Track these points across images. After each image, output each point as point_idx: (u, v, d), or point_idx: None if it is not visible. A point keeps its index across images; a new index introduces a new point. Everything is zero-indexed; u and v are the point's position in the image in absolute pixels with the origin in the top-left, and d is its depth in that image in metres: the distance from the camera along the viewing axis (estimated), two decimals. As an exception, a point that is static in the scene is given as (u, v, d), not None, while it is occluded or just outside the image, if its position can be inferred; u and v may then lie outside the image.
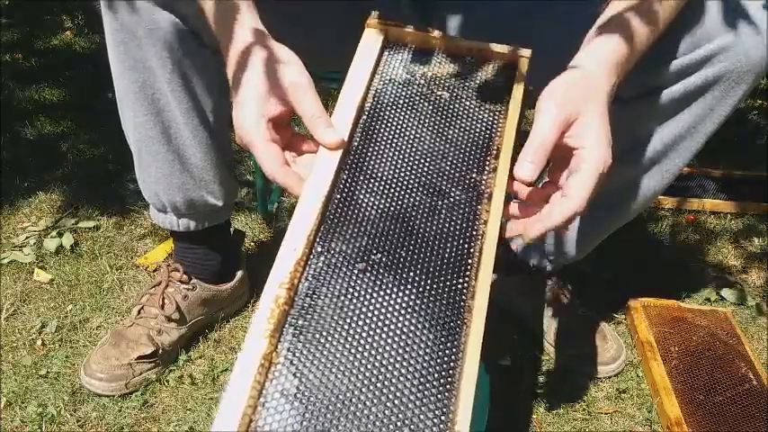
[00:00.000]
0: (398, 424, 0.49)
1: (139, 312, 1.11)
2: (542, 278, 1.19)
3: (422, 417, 0.50)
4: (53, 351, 1.13)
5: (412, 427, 0.49)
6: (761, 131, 1.93)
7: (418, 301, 0.56)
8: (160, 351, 1.08)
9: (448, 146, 0.67)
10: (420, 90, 0.70)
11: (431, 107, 0.69)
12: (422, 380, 0.52)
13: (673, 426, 1.02)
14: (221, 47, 0.70)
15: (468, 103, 0.70)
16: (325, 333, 0.53)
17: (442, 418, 0.50)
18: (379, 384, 0.51)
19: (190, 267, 1.14)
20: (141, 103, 0.92)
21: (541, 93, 0.65)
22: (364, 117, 0.67)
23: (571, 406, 1.08)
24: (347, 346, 0.52)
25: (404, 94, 0.70)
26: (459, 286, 0.57)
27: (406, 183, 0.63)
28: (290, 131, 0.68)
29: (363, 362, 0.52)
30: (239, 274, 1.20)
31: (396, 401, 0.50)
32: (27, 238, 1.36)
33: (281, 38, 0.69)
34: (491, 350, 0.55)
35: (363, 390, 0.50)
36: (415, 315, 0.55)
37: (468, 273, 0.58)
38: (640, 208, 1.00)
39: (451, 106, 0.70)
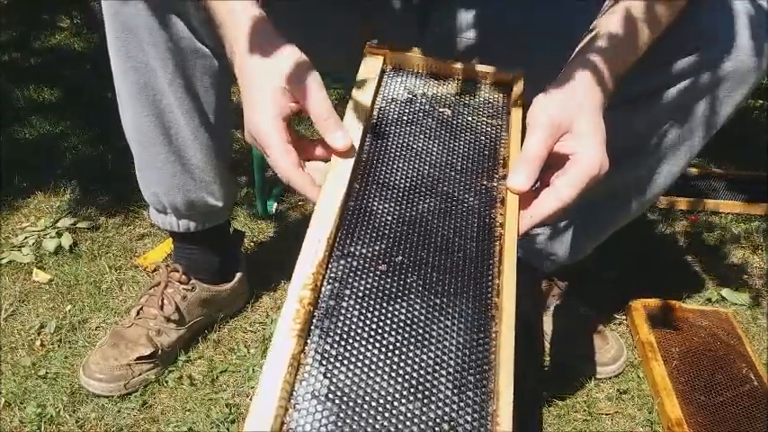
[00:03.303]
0: (437, 420, 0.49)
1: (138, 313, 1.11)
2: (543, 278, 1.19)
3: (460, 412, 0.49)
4: (52, 351, 1.12)
5: (451, 423, 0.49)
6: (761, 131, 1.93)
7: (445, 299, 0.56)
8: (159, 352, 1.08)
9: (455, 157, 0.68)
10: (423, 108, 0.72)
11: (435, 122, 0.71)
12: (456, 375, 0.51)
13: (674, 426, 1.02)
14: (228, 46, 0.69)
15: (470, 119, 0.72)
16: (352, 333, 0.53)
17: (482, 413, 0.50)
18: (413, 382, 0.50)
19: (189, 268, 1.13)
20: (142, 104, 0.92)
21: (533, 103, 0.65)
22: (371, 133, 0.68)
23: (572, 407, 1.08)
24: (376, 344, 0.52)
25: (407, 111, 0.71)
26: (485, 283, 0.58)
27: (418, 190, 0.64)
28: (294, 133, 0.67)
29: (395, 359, 0.51)
30: (239, 274, 1.19)
31: (432, 398, 0.50)
32: (26, 238, 1.36)
33: None
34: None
35: (398, 387, 0.50)
36: (442, 312, 0.55)
37: (491, 271, 0.59)
38: (642, 208, 0.99)
39: (455, 121, 0.72)
